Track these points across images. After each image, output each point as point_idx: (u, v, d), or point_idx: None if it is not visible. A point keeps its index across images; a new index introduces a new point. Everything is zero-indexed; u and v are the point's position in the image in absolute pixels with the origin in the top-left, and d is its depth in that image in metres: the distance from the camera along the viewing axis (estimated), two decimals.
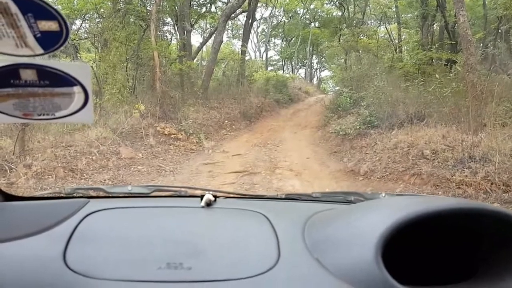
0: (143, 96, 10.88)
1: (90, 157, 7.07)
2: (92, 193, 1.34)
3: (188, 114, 11.38)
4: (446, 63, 10.52)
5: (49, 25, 0.72)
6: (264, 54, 29.82)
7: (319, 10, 25.39)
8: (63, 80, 0.81)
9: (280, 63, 32.10)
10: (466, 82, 6.88)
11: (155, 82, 10.35)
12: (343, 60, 26.38)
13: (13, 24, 0.70)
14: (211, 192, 1.22)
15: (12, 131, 7.29)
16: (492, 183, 4.42)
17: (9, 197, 1.17)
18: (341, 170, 6.82)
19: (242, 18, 21.59)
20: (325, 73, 33.93)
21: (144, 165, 7.41)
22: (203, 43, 18.91)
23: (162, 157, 8.24)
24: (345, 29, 20.17)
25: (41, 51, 0.76)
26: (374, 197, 1.37)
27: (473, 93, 6.09)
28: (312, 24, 27.28)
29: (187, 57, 14.22)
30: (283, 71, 29.64)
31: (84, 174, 6.36)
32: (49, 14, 0.72)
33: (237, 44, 23.34)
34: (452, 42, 11.38)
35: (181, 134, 9.68)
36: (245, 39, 18.47)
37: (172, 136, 9.43)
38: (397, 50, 14.18)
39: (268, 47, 30.73)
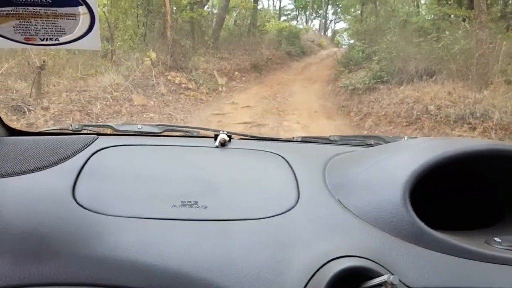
0: (153, 44, 11.06)
1: (104, 103, 7.46)
2: (101, 131, 1.30)
3: (198, 64, 11.58)
4: (463, 20, 10.47)
5: None
6: (278, 3, 29.13)
7: None
8: None
9: (294, 13, 31.32)
10: (476, 40, 6.99)
11: (166, 30, 10.51)
12: (359, 12, 25.86)
13: None
14: (225, 132, 1.19)
15: (27, 74, 7.64)
16: (488, 139, 4.74)
17: (15, 132, 1.15)
18: (346, 125, 7.16)
19: None
20: (340, 25, 33.18)
21: (156, 113, 7.79)
22: None
23: (173, 106, 8.60)
24: None
25: None
26: (395, 140, 1.34)
27: (479, 50, 6.24)
28: None
29: (198, 4, 14.17)
30: (297, 21, 29.03)
31: (100, 119, 6.76)
32: None
33: None
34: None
35: (192, 84, 9.98)
36: None
37: (183, 85, 9.75)
38: (414, 4, 13.91)
39: None
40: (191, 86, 9.88)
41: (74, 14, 0.78)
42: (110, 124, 1.33)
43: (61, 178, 0.91)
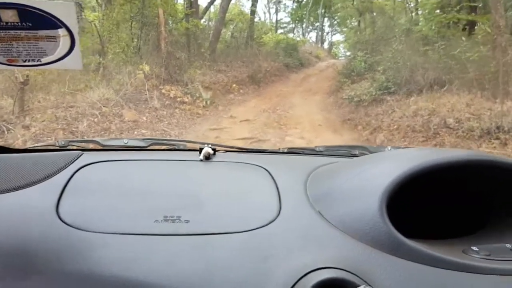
0: (148, 56, 10.46)
1: (92, 119, 6.79)
2: (86, 146, 1.28)
3: (194, 76, 10.95)
4: (464, 27, 9.88)
5: None
6: (274, 16, 28.77)
7: None
8: (47, 21, 0.76)
9: (290, 25, 30.97)
10: (493, 46, 6.37)
11: (160, 42, 9.89)
12: (356, 23, 25.58)
13: None
14: (210, 146, 1.19)
15: (13, 90, 7.00)
16: None
17: (1, 149, 1.13)
18: (355, 139, 6.50)
19: None
20: (337, 37, 32.86)
21: (148, 129, 7.13)
22: (211, 2, 18.12)
23: (167, 121, 7.94)
24: None
25: None
26: (379, 150, 1.33)
27: (504, 57, 5.61)
28: None
29: (194, 15, 13.61)
30: (293, 34, 28.66)
31: (85, 137, 6.09)
32: None
33: (247, 4, 22.38)
34: (472, 5, 10.63)
35: (187, 98, 9.33)
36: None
37: (178, 99, 9.09)
38: (414, 13, 13.38)
39: (278, 8, 29.60)
40: (186, 100, 9.22)
41: (55, 36, 0.79)
42: (96, 139, 1.31)
43: (45, 195, 0.90)
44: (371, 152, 1.30)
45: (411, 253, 0.76)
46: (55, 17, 0.77)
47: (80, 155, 1.07)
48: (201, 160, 1.13)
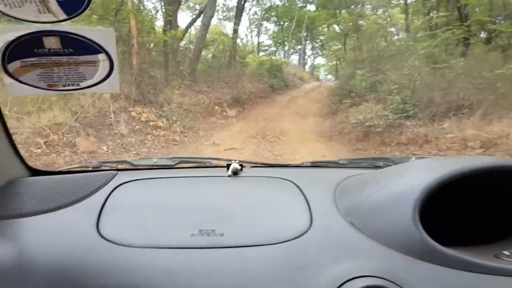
0: (121, 75, 8.78)
1: (32, 150, 5.03)
2: (118, 166, 1.28)
3: (172, 97, 9.34)
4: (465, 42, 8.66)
5: None
6: (256, 39, 27.60)
7: None
8: (88, 47, 0.77)
9: (272, 48, 29.88)
10: None
11: (131, 57, 8.22)
12: (339, 46, 24.96)
13: None
14: (237, 162, 1.18)
15: None
16: None
17: (37, 172, 1.15)
18: None
19: None
20: (318, 60, 31.99)
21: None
22: (191, 22, 16.63)
23: (135, 151, 6.24)
24: (344, 12, 18.46)
25: (64, 16, 0.71)
26: (403, 161, 1.25)
27: None
28: (308, 7, 25.23)
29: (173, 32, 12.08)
30: (275, 56, 27.54)
31: None
32: None
33: (228, 26, 21.07)
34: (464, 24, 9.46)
35: (162, 121, 7.66)
36: (238, 16, 16.35)
37: (151, 123, 7.41)
38: (408, 31, 12.20)
39: (260, 31, 28.50)
40: (161, 124, 7.55)
41: (94, 61, 0.80)
42: (127, 160, 1.33)
43: (85, 214, 0.92)
44: (395, 163, 1.22)
45: (445, 259, 0.75)
46: (95, 42, 0.76)
47: (115, 175, 1.08)
48: (229, 176, 1.12)
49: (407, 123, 5.98)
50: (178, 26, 13.78)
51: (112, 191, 1.00)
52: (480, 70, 6.24)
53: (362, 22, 15.70)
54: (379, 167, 1.25)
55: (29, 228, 0.88)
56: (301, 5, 25.42)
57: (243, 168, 1.18)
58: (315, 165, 1.34)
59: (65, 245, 0.83)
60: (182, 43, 14.72)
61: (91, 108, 6.99)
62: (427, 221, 0.79)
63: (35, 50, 0.75)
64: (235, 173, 1.13)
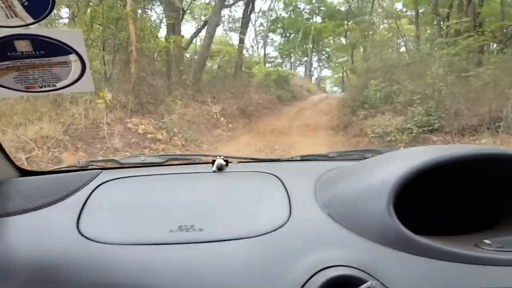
0: (115, 83, 8.15)
1: None
2: (106, 165, 1.27)
3: (173, 108, 8.66)
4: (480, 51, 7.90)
5: None
6: (262, 50, 27.06)
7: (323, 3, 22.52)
8: (58, 48, 0.79)
9: (278, 60, 29.35)
10: None
11: (130, 65, 7.58)
12: (345, 58, 24.44)
13: None
14: (222, 157, 1.17)
15: None
16: None
17: (26, 172, 1.15)
18: None
19: (239, 10, 19.07)
20: (324, 72, 31.36)
21: None
22: (196, 32, 16.08)
23: None
24: (351, 23, 17.92)
25: (31, 20, 0.73)
26: (391, 151, 1.21)
27: None
28: (314, 19, 24.73)
29: (176, 41, 11.50)
30: (281, 68, 26.97)
31: None
32: None
33: (234, 37, 20.50)
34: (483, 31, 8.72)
35: (162, 134, 6.96)
36: (244, 26, 15.80)
37: (149, 136, 6.71)
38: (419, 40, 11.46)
39: (266, 42, 28.00)
40: (160, 137, 6.85)
41: (66, 61, 0.81)
42: (115, 158, 1.33)
43: (66, 212, 0.92)
44: (383, 154, 1.18)
45: (420, 248, 0.75)
46: (65, 44, 0.78)
47: (99, 174, 1.09)
48: (214, 172, 1.12)
49: (433, 137, 5.23)
50: (181, 35, 13.29)
51: (94, 189, 1.00)
52: (507, 79, 5.49)
53: (371, 32, 15.14)
54: (367, 158, 1.20)
55: (12, 228, 0.88)
56: (308, 16, 24.97)
57: (229, 164, 1.17)
58: (304, 158, 1.31)
59: (46, 243, 0.84)
60: (187, 54, 14.23)
61: (83, 120, 6.33)
62: (405, 211, 0.77)
63: (8, 53, 0.77)
64: (220, 168, 1.12)
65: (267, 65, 24.21)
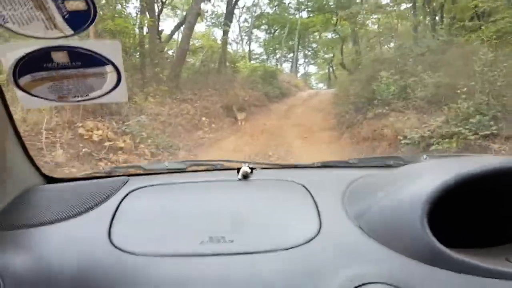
0: None
1: None
2: (130, 171, 1.24)
3: (144, 107, 6.98)
4: None
5: (77, 4, 0.69)
6: (247, 47, 25.40)
7: None
8: (95, 60, 0.77)
9: (263, 57, 27.74)
10: None
11: None
12: (331, 55, 23.10)
13: (42, 6, 0.67)
14: (247, 164, 1.13)
15: None
16: None
17: (51, 180, 1.13)
18: None
19: (223, 5, 17.36)
20: (310, 69, 29.95)
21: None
22: (177, 27, 14.21)
23: None
24: (343, 13, 16.47)
25: (70, 32, 0.72)
26: (414, 159, 1.20)
27: None
28: (300, 14, 23.25)
29: (151, 32, 9.75)
30: (267, 64, 25.40)
31: None
32: None
33: (218, 33, 18.67)
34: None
35: (125, 141, 5.27)
36: (228, 16, 14.11)
37: (107, 144, 5.02)
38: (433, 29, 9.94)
39: (251, 38, 26.32)
40: (122, 145, 5.17)
41: (102, 73, 0.79)
42: (139, 164, 1.31)
43: (98, 222, 0.90)
44: (405, 162, 1.18)
45: (453, 264, 0.72)
46: (102, 55, 0.76)
47: (127, 181, 1.06)
48: (240, 180, 1.09)
49: (493, 145, 3.71)
50: (160, 32, 11.56)
51: (123, 198, 0.98)
52: None
53: (367, 22, 13.71)
54: (390, 165, 1.19)
55: (44, 238, 0.86)
56: (293, 12, 23.48)
57: (253, 171, 1.13)
58: (325, 165, 1.27)
59: (79, 254, 0.82)
60: (170, 51, 12.48)
61: (22, 126, 4.61)
62: (437, 225, 0.75)
63: (45, 64, 0.75)
64: (245, 176, 1.09)
65: (252, 62, 22.65)
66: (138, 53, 9.24)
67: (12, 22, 0.69)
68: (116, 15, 8.37)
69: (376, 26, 14.78)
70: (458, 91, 4.43)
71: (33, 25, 0.70)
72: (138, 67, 8.67)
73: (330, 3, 18.97)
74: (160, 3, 14.10)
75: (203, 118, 8.76)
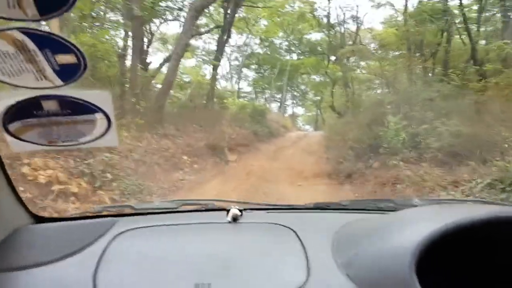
0: None
1: None
2: (120, 211, 1.24)
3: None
4: None
5: (67, 58, 0.70)
6: (236, 85, 24.93)
7: (306, 36, 20.79)
8: (85, 108, 0.77)
9: (251, 95, 27.30)
10: None
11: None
12: (318, 98, 22.85)
13: (32, 59, 0.69)
14: (236, 206, 1.12)
15: None
16: None
17: (40, 219, 1.10)
18: None
19: (213, 42, 16.93)
20: (296, 110, 29.56)
21: None
22: (166, 60, 13.38)
23: None
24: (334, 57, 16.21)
25: (60, 83, 0.73)
26: (405, 203, 1.22)
27: None
28: (290, 56, 23.18)
29: (134, 60, 8.88)
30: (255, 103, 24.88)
31: None
32: (66, 48, 0.69)
33: (208, 70, 18.02)
34: None
35: (80, 184, 4.14)
36: (219, 51, 13.48)
37: (55, 188, 3.87)
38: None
39: (240, 77, 25.94)
40: (76, 189, 4.03)
41: (92, 120, 0.80)
42: (129, 204, 1.32)
43: (83, 266, 0.88)
44: (397, 205, 1.18)
45: None
46: (93, 104, 0.77)
47: (115, 223, 1.05)
48: (229, 222, 1.07)
49: None
50: (147, 64, 10.76)
51: (111, 241, 0.95)
52: None
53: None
54: (381, 208, 1.19)
55: (30, 281, 0.86)
56: (284, 53, 23.39)
57: (243, 212, 1.11)
58: (317, 206, 1.26)
59: None
60: (159, 85, 11.58)
61: None
62: (426, 274, 0.74)
63: (35, 112, 0.75)
64: (235, 219, 1.08)
65: (240, 99, 22.11)
66: (118, 83, 8.30)
67: (2, 73, 0.69)
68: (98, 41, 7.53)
69: (365, 71, 14.49)
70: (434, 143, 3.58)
71: (23, 77, 0.70)
72: (116, 97, 7.66)
73: (322, 46, 18.85)
74: (150, 34, 13.50)
75: (185, 157, 7.70)
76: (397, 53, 12.17)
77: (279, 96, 26.89)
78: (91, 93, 0.77)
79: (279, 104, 26.31)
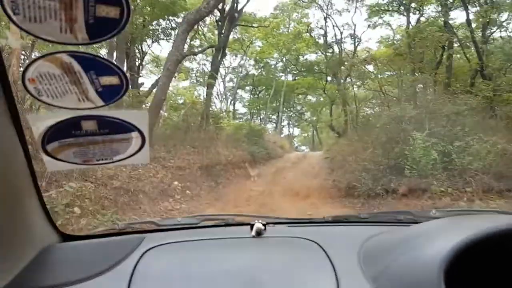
0: None
1: None
2: (144, 227, 1.25)
3: (93, 167, 4.87)
4: None
5: (110, 80, 0.69)
6: (231, 106, 24.17)
7: (302, 56, 20.20)
8: (122, 127, 0.77)
9: (247, 116, 26.53)
10: None
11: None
12: (314, 118, 22.23)
13: (76, 81, 0.68)
14: (260, 221, 1.11)
15: None
16: None
17: (67, 237, 1.09)
18: None
19: (208, 63, 16.33)
20: (294, 131, 28.78)
21: None
22: (158, 81, 12.55)
23: None
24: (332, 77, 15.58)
25: (102, 103, 0.71)
26: (424, 215, 1.21)
27: None
28: (285, 77, 22.60)
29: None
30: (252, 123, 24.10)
31: None
32: (111, 70, 0.68)
33: (201, 90, 17.25)
34: None
35: None
36: (214, 70, 12.68)
37: None
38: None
39: (235, 98, 25.23)
40: None
41: (128, 138, 0.80)
42: (153, 220, 1.29)
43: (116, 283, 0.87)
44: (415, 217, 1.18)
45: None
46: (130, 123, 0.77)
47: (142, 239, 1.04)
48: (253, 237, 1.07)
49: None
50: (139, 85, 9.93)
51: (140, 257, 0.95)
52: None
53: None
54: (401, 220, 1.18)
55: None
56: (280, 74, 22.82)
57: (266, 227, 1.10)
58: (337, 220, 1.27)
59: None
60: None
61: None
62: (452, 284, 0.73)
63: (73, 131, 0.75)
64: (259, 233, 1.06)
65: (236, 121, 21.28)
66: None
67: (47, 95, 0.69)
68: None
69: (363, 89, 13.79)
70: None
71: (66, 98, 0.70)
72: None
73: (319, 65, 18.24)
74: (141, 53, 12.75)
75: (175, 183, 6.69)
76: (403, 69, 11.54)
77: (274, 116, 26.21)
78: (130, 113, 0.78)
79: (274, 125, 25.58)
